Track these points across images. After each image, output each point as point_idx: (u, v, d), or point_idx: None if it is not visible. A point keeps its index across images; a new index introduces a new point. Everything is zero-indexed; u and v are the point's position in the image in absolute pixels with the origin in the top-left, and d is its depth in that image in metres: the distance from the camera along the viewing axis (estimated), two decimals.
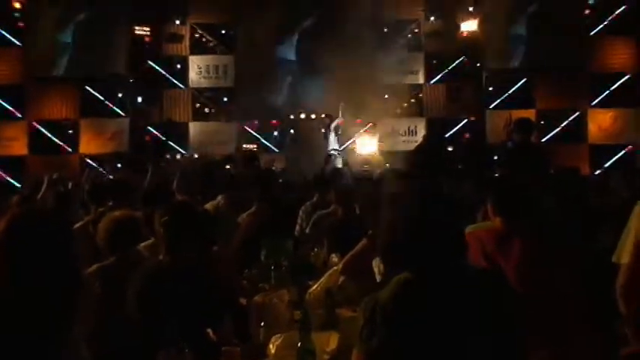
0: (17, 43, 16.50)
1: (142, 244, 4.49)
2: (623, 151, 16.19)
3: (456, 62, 17.00)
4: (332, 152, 14.90)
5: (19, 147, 16.62)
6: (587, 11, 16.00)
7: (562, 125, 16.54)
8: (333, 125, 15.12)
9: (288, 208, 6.98)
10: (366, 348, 2.28)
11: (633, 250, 3.01)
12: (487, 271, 2.61)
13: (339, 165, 14.39)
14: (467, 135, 16.73)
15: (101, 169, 15.46)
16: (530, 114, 14.17)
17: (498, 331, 2.30)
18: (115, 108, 16.84)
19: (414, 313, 2.25)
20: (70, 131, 16.83)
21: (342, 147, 16.52)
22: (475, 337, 2.27)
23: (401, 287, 2.30)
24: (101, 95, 16.72)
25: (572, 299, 3.25)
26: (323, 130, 15.17)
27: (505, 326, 2.33)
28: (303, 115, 16.32)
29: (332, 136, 15.06)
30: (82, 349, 2.17)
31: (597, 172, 14.78)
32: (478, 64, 16.83)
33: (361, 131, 16.81)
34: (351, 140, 16.75)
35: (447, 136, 16.63)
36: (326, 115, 15.36)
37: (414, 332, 2.23)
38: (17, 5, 15.79)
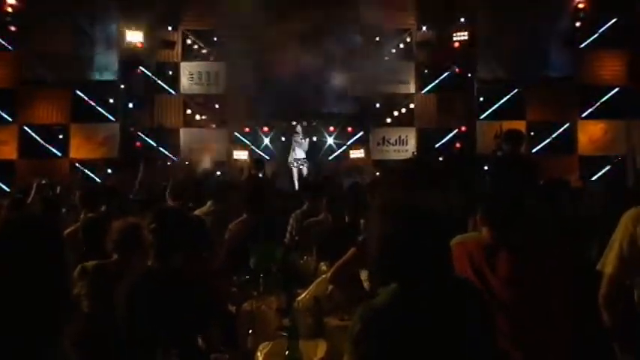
0: (9, 47, 16.41)
1: None
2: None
3: (448, 72, 17.07)
4: (292, 163, 15.03)
5: (9, 151, 16.53)
6: (577, 23, 16.06)
7: (552, 137, 16.62)
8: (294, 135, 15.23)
9: (278, 215, 6.97)
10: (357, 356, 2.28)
11: (617, 262, 3.03)
12: (466, 281, 2.64)
13: (304, 174, 14.53)
14: (457, 145, 16.76)
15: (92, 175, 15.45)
16: (520, 125, 14.29)
17: (480, 337, 2.38)
18: (105, 113, 16.78)
19: (403, 323, 2.26)
20: (61, 136, 16.75)
21: (334, 155, 16.62)
22: (462, 344, 2.30)
23: (390, 298, 2.31)
24: (92, 100, 16.64)
25: (558, 311, 3.25)
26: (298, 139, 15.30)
27: (484, 332, 2.41)
28: (294, 122, 16.31)
29: (298, 145, 15.14)
30: (70, 351, 2.17)
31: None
32: (469, 75, 16.89)
33: (352, 139, 16.87)
34: (343, 148, 16.80)
35: (437, 146, 16.71)
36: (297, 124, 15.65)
37: (404, 342, 2.24)
38: (9, 9, 15.73)
